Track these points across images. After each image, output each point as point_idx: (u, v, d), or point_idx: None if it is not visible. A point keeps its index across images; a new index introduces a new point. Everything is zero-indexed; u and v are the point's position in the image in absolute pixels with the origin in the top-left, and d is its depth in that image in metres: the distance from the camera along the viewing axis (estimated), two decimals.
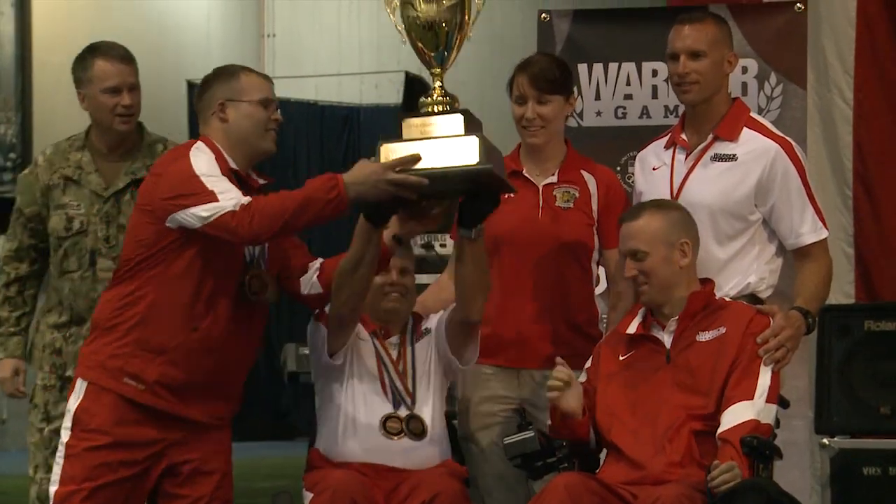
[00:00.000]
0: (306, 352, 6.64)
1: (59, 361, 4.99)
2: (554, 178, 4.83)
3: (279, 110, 4.54)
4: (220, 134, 4.46)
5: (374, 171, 4.26)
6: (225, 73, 4.54)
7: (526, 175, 4.84)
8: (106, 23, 7.66)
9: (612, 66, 6.47)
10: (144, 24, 8.06)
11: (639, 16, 6.59)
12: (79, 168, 4.96)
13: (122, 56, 4.94)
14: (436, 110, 4.53)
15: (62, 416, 4.83)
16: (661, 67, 5.89)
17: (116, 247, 4.84)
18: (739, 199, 4.64)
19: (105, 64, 4.90)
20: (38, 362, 5.04)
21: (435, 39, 4.50)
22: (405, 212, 4.43)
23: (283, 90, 10.53)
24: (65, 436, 4.39)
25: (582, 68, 6.47)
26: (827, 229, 4.70)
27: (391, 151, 4.30)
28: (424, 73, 8.87)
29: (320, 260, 4.66)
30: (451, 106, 4.54)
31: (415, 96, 7.65)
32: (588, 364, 4.60)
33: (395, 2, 4.55)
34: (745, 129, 4.70)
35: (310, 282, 4.62)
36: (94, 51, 4.95)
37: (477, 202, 4.42)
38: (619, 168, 6.25)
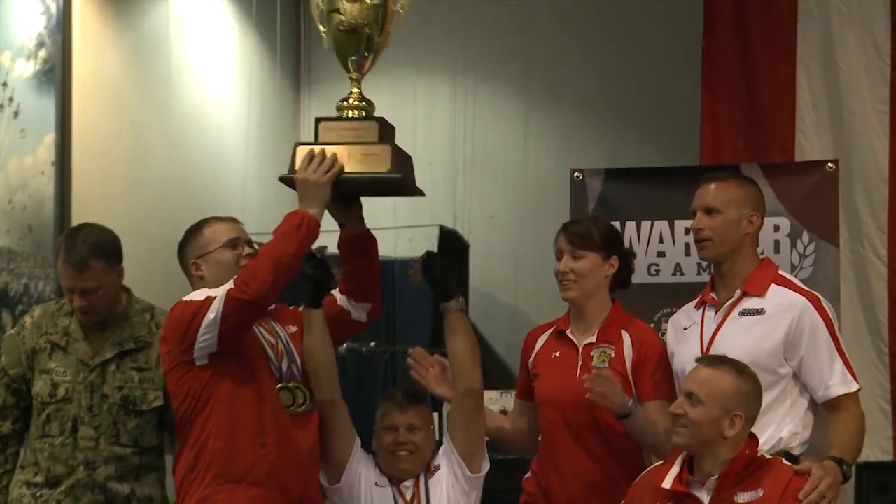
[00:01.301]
0: None
1: None
2: (593, 339, 4.83)
3: (252, 245, 4.66)
4: (204, 289, 4.57)
5: (302, 183, 4.47)
6: (191, 234, 4.70)
7: (569, 335, 4.87)
8: (143, 182, 7.73)
9: (645, 224, 6.48)
10: (182, 183, 8.13)
11: (670, 174, 6.59)
12: (66, 335, 4.83)
13: (76, 263, 4.69)
14: (352, 115, 4.63)
15: None
16: None
17: (99, 416, 4.77)
18: (769, 353, 4.64)
19: (61, 266, 4.75)
20: None
21: (357, 43, 4.60)
22: (335, 213, 4.70)
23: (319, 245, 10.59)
24: None
25: (615, 226, 6.50)
26: (857, 383, 4.68)
27: (304, 151, 4.50)
28: (458, 226, 8.95)
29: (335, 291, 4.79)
30: (367, 111, 4.64)
31: (449, 248, 7.66)
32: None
33: (322, 6, 4.64)
34: (772, 284, 4.72)
35: (349, 307, 4.78)
36: (63, 245, 4.78)
37: (431, 266, 4.68)
38: (651, 325, 6.22)
